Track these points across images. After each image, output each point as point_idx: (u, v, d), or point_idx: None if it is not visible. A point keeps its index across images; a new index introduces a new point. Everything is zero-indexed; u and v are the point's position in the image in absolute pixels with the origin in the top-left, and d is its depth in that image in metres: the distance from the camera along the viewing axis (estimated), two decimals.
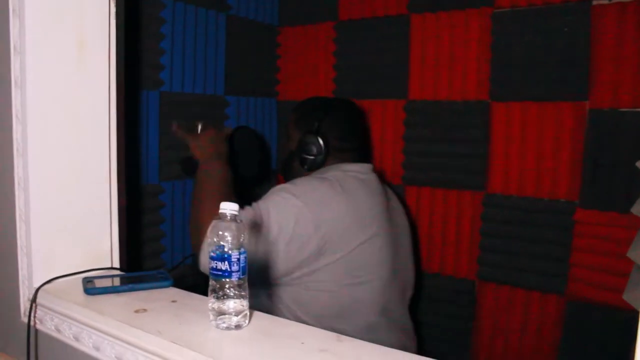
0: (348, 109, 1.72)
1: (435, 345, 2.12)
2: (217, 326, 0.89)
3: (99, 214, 1.22)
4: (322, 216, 1.40)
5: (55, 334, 1.06)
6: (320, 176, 1.52)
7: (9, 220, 1.14)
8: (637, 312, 0.58)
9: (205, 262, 1.15)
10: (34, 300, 1.07)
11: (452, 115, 2.08)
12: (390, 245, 1.56)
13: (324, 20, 2.39)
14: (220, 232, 0.86)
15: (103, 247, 1.23)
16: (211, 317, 0.89)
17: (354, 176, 1.55)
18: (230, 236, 0.86)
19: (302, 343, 0.85)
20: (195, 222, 1.45)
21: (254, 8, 2.40)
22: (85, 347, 0.99)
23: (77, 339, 1.01)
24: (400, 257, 1.62)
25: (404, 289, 1.67)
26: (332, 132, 1.59)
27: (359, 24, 2.30)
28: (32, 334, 1.07)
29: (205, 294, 0.92)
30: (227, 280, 0.86)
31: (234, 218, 0.87)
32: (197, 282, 1.56)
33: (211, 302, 0.88)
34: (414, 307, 1.81)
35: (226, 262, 0.86)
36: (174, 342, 0.84)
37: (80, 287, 1.07)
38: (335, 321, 1.44)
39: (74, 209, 1.17)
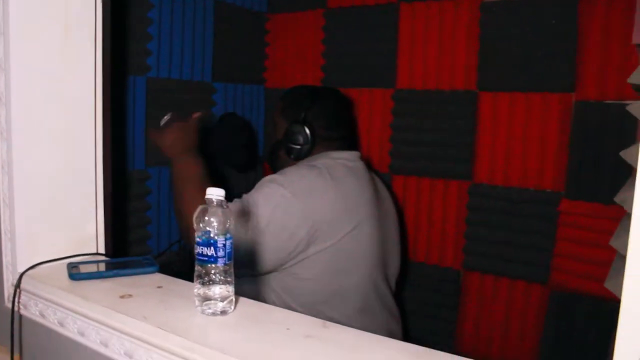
0: (335, 97, 1.72)
1: (421, 333, 2.14)
2: (203, 312, 0.89)
3: (84, 199, 1.21)
4: (310, 205, 1.41)
5: (39, 320, 1.05)
6: (309, 164, 1.52)
7: None
8: (619, 302, 0.59)
9: None
10: (18, 285, 1.06)
11: (440, 104, 2.09)
12: (377, 232, 1.57)
13: (313, 7, 2.38)
14: (207, 218, 0.86)
15: (88, 233, 1.22)
16: (197, 302, 0.89)
17: (343, 164, 1.55)
18: (216, 222, 0.86)
19: (288, 329, 0.85)
20: (181, 221, 1.45)
21: None
22: (70, 332, 0.99)
23: (61, 324, 1.00)
24: (387, 243, 1.64)
25: (390, 274, 1.68)
26: (319, 121, 1.59)
27: (348, 11, 2.29)
28: (16, 320, 1.06)
29: (191, 280, 0.92)
30: (213, 265, 0.86)
31: (220, 204, 0.87)
32: (183, 268, 1.55)
33: (197, 288, 0.88)
34: (399, 295, 1.82)
35: (212, 248, 0.85)
36: (160, 328, 0.84)
37: (65, 273, 1.06)
38: (324, 308, 1.46)
39: (59, 194, 1.16)
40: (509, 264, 1.97)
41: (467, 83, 2.02)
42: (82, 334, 0.96)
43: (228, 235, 0.87)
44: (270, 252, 1.38)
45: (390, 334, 1.59)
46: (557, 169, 1.86)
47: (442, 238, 2.12)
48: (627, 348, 0.59)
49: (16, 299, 1.06)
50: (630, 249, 0.59)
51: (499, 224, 1.98)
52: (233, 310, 0.90)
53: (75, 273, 1.05)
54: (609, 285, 1.04)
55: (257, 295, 1.46)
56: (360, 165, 1.61)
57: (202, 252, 0.86)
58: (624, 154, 1.10)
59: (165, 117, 1.57)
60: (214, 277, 0.87)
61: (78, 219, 1.21)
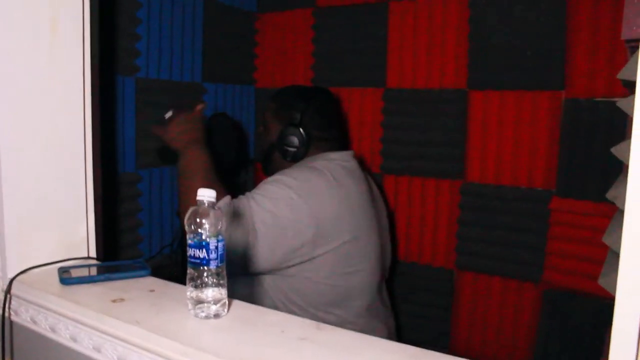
0: (327, 98, 1.71)
1: (414, 333, 2.15)
2: (196, 315, 0.88)
3: (74, 202, 1.20)
4: (316, 207, 1.41)
5: (31, 326, 1.04)
6: (311, 166, 1.51)
7: None
8: (614, 299, 0.59)
9: None
10: (8, 291, 1.05)
11: (430, 103, 2.09)
12: (376, 231, 1.58)
13: (303, 6, 2.38)
14: (198, 220, 0.85)
15: (79, 237, 1.21)
16: (190, 306, 0.88)
17: (339, 164, 1.55)
18: (207, 223, 0.85)
19: (282, 331, 0.85)
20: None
21: None
22: (62, 338, 0.97)
23: (53, 330, 0.99)
24: (383, 241, 1.65)
25: (385, 271, 1.70)
26: (313, 122, 1.58)
27: (338, 10, 2.29)
28: (7, 326, 1.05)
29: (183, 283, 0.91)
30: (205, 268, 0.85)
31: (212, 205, 0.86)
32: (175, 271, 1.55)
33: (189, 291, 0.87)
34: (392, 295, 1.82)
35: (204, 250, 0.85)
36: (153, 332, 0.83)
37: (55, 277, 1.05)
38: (333, 308, 1.47)
39: (48, 198, 1.15)
40: (501, 263, 1.98)
41: (457, 82, 2.03)
42: (74, 340, 0.95)
43: (220, 237, 0.86)
44: (273, 249, 1.38)
45: (389, 329, 1.63)
46: (548, 166, 1.87)
47: (434, 238, 2.12)
48: (622, 345, 0.59)
49: (6, 305, 1.05)
50: (623, 245, 0.59)
51: (490, 223, 1.99)
52: (226, 313, 0.89)
53: (66, 278, 1.04)
54: (602, 282, 1.05)
55: (254, 297, 1.46)
56: (355, 165, 1.61)
57: (194, 254, 0.85)
58: (615, 150, 1.11)
59: (168, 113, 1.55)
60: (206, 279, 0.86)
61: (68, 222, 1.19)
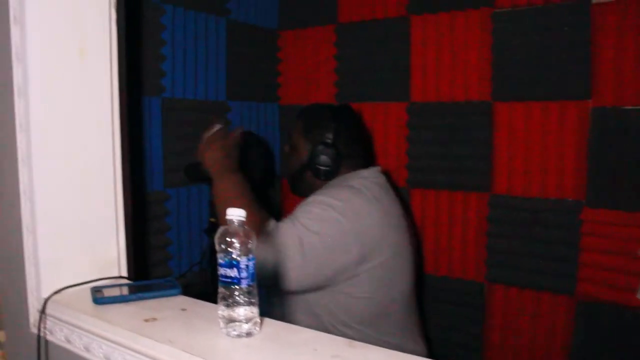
0: (353, 115, 1.73)
1: (446, 348, 2.12)
2: (228, 334, 0.88)
3: (105, 222, 1.22)
4: (360, 226, 1.44)
5: (65, 345, 1.05)
6: (348, 185, 1.53)
7: (15, 230, 1.13)
8: None
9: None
10: (43, 311, 1.06)
11: (455, 116, 2.08)
12: (411, 244, 1.61)
13: (324, 23, 2.39)
14: (228, 239, 0.85)
15: (110, 256, 1.22)
16: (221, 324, 0.88)
17: (373, 181, 1.57)
18: (238, 242, 0.85)
19: (315, 349, 0.84)
20: None
21: (254, 12, 2.40)
22: (96, 357, 0.98)
23: (87, 349, 1.00)
24: (414, 253, 1.66)
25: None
26: (344, 140, 1.59)
27: (359, 26, 2.30)
28: (42, 345, 1.06)
29: (214, 301, 0.91)
30: (237, 287, 0.86)
31: (241, 224, 0.87)
32: (205, 289, 1.55)
33: (221, 310, 0.88)
34: (422, 309, 1.80)
35: (235, 269, 0.85)
36: (185, 351, 0.84)
37: (89, 297, 1.06)
38: (380, 322, 1.50)
39: (80, 218, 1.16)
40: (533, 276, 1.94)
41: (481, 94, 2.01)
42: (108, 359, 0.96)
43: (250, 256, 0.86)
44: (321, 269, 1.41)
45: (421, 346, 1.62)
46: (577, 177, 1.84)
47: (464, 251, 2.10)
48: None
49: (42, 325, 1.06)
50: None
51: (520, 235, 1.96)
52: (258, 332, 0.89)
53: (99, 297, 1.05)
54: None
55: (294, 316, 1.51)
56: (384, 180, 1.63)
57: (225, 273, 0.86)
58: None
59: (216, 126, 1.55)
60: (238, 298, 0.86)
61: (100, 242, 1.21)
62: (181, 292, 1.11)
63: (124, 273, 1.25)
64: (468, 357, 2.11)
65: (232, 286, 0.86)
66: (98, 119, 1.19)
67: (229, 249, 0.85)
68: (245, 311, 0.87)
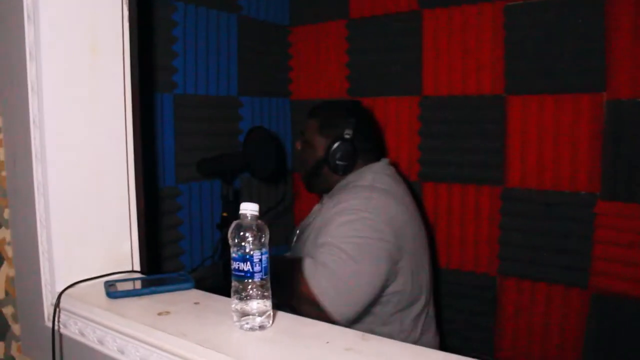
0: (364, 110, 1.75)
1: (458, 341, 2.11)
2: (241, 327, 0.88)
3: (118, 217, 1.22)
4: (393, 225, 1.45)
5: (79, 338, 1.06)
6: (370, 185, 1.53)
7: (30, 225, 1.14)
8: None
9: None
10: (57, 304, 1.07)
11: (468, 110, 2.07)
12: (425, 230, 1.64)
13: (335, 18, 2.39)
14: (242, 233, 0.86)
15: (123, 250, 1.23)
16: (235, 318, 0.89)
17: (384, 174, 1.59)
18: (251, 237, 0.85)
19: (327, 342, 0.84)
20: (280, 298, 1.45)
21: (265, 8, 2.40)
22: (110, 350, 0.99)
23: (101, 342, 1.01)
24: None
25: None
26: (359, 135, 1.60)
27: (371, 21, 2.29)
28: (56, 338, 1.07)
29: (226, 295, 0.91)
30: (250, 280, 0.86)
31: (255, 218, 0.87)
32: (217, 283, 1.56)
33: (234, 303, 0.88)
34: (435, 302, 1.80)
35: (248, 263, 0.85)
36: (199, 344, 0.84)
37: (102, 291, 1.07)
38: (411, 310, 1.53)
39: (93, 213, 1.17)
40: (546, 269, 1.93)
41: (494, 87, 2.00)
42: (122, 352, 0.97)
43: (264, 250, 0.86)
44: (374, 280, 1.42)
45: (435, 339, 1.64)
46: (591, 170, 1.82)
47: (476, 244, 2.09)
48: None
49: (56, 318, 1.07)
50: None
51: (533, 228, 1.95)
52: (271, 325, 0.90)
53: (112, 291, 1.06)
54: None
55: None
56: (394, 171, 1.65)
57: (239, 267, 0.86)
58: None
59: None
60: (251, 292, 0.86)
61: (113, 236, 1.21)
62: (194, 285, 1.12)
63: (137, 267, 1.25)
64: (481, 350, 2.10)
65: (246, 280, 0.86)
66: (111, 116, 1.20)
67: (242, 243, 0.86)
68: (259, 304, 0.87)
